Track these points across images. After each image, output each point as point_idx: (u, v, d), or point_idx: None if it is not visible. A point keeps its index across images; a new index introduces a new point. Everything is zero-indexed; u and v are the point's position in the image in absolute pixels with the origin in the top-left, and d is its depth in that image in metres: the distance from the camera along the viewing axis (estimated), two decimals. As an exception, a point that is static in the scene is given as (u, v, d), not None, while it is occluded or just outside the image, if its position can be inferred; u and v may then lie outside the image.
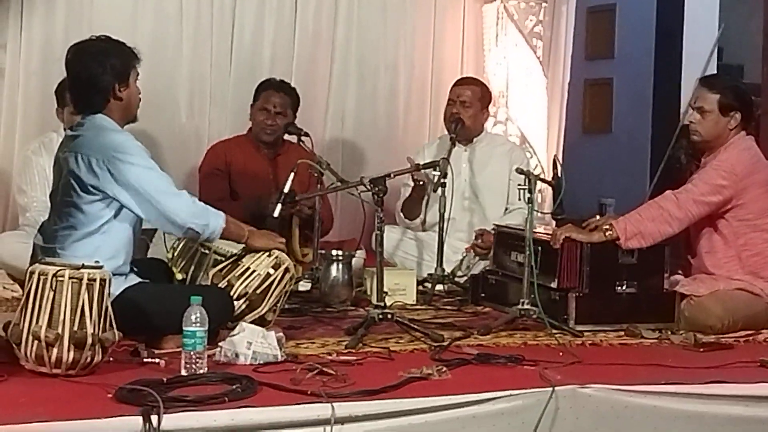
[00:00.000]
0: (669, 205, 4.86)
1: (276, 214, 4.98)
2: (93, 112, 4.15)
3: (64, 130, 5.08)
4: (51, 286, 3.58)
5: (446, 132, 6.23)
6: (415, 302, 5.46)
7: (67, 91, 4.39)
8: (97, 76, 4.11)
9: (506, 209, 6.21)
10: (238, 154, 6.06)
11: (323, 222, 5.86)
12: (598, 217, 5.12)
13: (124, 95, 4.16)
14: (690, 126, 5.05)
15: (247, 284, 4.32)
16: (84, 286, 3.59)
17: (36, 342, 3.57)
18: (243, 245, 4.39)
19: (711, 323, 4.77)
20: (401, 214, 6.17)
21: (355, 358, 4.05)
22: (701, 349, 4.44)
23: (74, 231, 4.07)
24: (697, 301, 4.85)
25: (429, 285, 5.70)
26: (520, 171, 4.93)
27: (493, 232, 5.60)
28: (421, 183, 5.82)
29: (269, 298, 4.36)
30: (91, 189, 4.05)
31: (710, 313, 4.79)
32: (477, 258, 5.88)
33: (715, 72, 8.74)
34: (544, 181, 5.43)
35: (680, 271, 5.17)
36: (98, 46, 4.18)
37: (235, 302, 4.27)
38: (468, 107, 6.19)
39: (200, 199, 4.37)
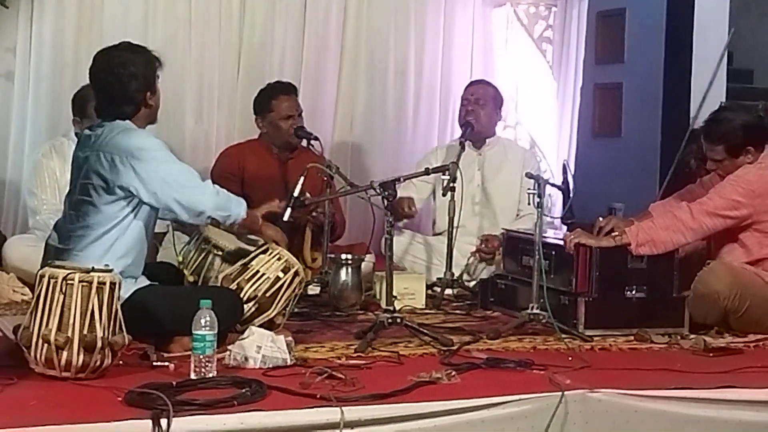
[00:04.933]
0: (683, 215, 4.85)
1: (286, 217, 4.98)
2: (121, 119, 4.17)
3: (76, 135, 5.08)
4: (61, 290, 3.59)
5: (456, 137, 6.21)
6: (424, 306, 5.46)
7: (95, 100, 4.34)
8: (129, 88, 4.14)
9: (517, 214, 6.21)
10: (251, 158, 6.05)
11: (336, 228, 5.87)
12: (600, 219, 5.10)
13: (153, 101, 4.22)
14: (715, 170, 5.03)
15: (257, 287, 4.33)
16: (94, 290, 3.59)
17: (46, 345, 3.58)
18: (254, 249, 4.40)
19: (719, 288, 4.75)
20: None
21: (364, 362, 4.05)
22: (711, 354, 4.43)
23: (90, 231, 4.08)
24: (710, 267, 4.85)
25: (438, 289, 5.69)
26: (529, 175, 4.93)
27: (499, 236, 5.60)
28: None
29: (278, 302, 4.37)
30: (114, 188, 4.06)
31: (720, 278, 4.78)
32: (483, 263, 5.88)
33: (724, 73, 8.72)
34: (553, 185, 5.43)
35: None
36: (126, 56, 4.19)
37: (245, 305, 4.27)
38: (483, 105, 6.20)
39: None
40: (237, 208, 4.27)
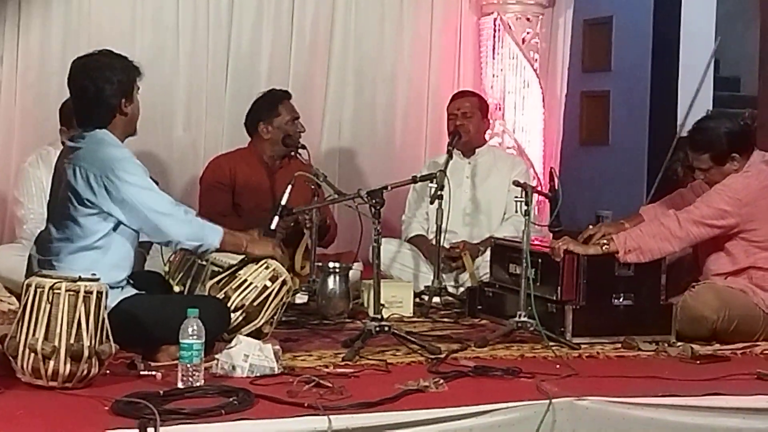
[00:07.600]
0: (670, 224, 4.85)
1: (273, 226, 4.98)
2: (97, 127, 4.14)
3: (62, 144, 5.07)
4: (48, 299, 3.58)
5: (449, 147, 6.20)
6: (412, 315, 5.46)
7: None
8: (104, 92, 4.10)
9: (503, 220, 6.22)
10: (242, 167, 6.04)
11: (329, 229, 5.88)
12: (591, 227, 5.11)
13: (129, 110, 4.17)
14: (702, 179, 5.03)
15: (244, 296, 4.31)
16: (81, 299, 3.59)
17: (32, 355, 3.57)
18: (240, 257, 4.39)
19: (706, 314, 4.77)
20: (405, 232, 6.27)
21: (351, 370, 4.05)
22: (698, 362, 4.44)
23: (70, 243, 4.06)
24: (695, 291, 4.85)
25: (426, 297, 5.69)
26: (516, 183, 4.94)
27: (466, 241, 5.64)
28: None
29: (266, 311, 4.35)
30: (87, 203, 4.04)
31: (707, 303, 4.79)
32: (452, 273, 5.91)
33: (711, 81, 8.76)
34: (540, 193, 5.45)
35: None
36: (103, 61, 4.17)
37: (232, 314, 4.26)
38: (470, 117, 6.22)
39: (201, 212, 4.36)
40: (211, 236, 4.18)
